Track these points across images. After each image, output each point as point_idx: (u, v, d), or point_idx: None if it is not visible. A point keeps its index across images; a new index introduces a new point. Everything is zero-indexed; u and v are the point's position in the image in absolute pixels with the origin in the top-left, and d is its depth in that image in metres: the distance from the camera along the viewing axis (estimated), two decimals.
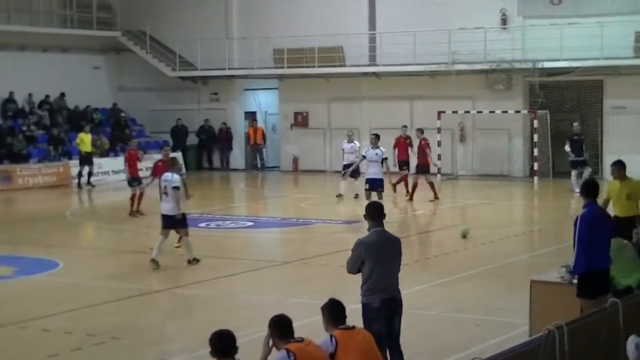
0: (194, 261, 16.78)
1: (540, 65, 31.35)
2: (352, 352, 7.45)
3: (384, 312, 9.13)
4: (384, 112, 34.64)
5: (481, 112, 32.93)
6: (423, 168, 26.16)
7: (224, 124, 38.46)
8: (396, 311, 9.28)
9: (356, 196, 25.75)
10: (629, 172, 13.82)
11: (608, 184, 14.30)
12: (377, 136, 22.92)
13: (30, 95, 36.41)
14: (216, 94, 39.12)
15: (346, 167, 26.34)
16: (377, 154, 22.10)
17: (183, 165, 36.31)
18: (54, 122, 35.85)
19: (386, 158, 22.27)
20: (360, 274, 9.24)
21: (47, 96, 36.80)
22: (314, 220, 23.08)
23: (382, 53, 34.37)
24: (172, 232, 17.03)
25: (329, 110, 36.44)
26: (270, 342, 7.35)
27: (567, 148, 27.67)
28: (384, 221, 9.37)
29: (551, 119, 32.33)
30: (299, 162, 37.03)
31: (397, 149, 26.84)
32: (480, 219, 23.64)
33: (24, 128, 34.81)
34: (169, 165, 17.96)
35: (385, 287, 9.17)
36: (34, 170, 32.46)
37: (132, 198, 23.78)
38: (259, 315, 12.02)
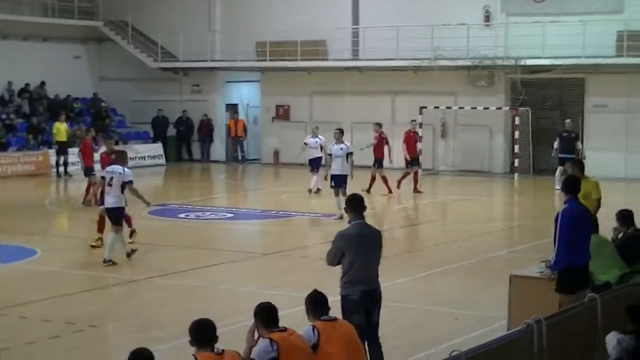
0: (110, 262, 15.85)
1: (522, 62, 31.43)
2: (335, 343, 7.46)
3: (364, 304, 9.13)
4: (366, 107, 34.65)
5: (463, 108, 33.02)
6: (380, 161, 26.16)
7: (205, 115, 38.34)
8: (375, 304, 9.28)
9: (309, 190, 25.95)
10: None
11: None
12: (342, 131, 22.64)
13: (10, 83, 36.17)
14: (198, 85, 38.98)
15: (312, 161, 26.40)
16: (341, 149, 21.67)
17: (165, 158, 36.60)
18: (34, 111, 35.62)
19: (351, 153, 21.78)
20: (340, 266, 9.25)
21: (27, 85, 36.55)
22: (293, 213, 23.06)
23: (365, 48, 34.34)
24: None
25: (311, 104, 36.41)
26: (256, 335, 7.28)
27: (556, 145, 27.35)
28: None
29: (532, 116, 32.44)
30: (280, 155, 36.99)
31: (406, 144, 26.74)
32: (460, 215, 23.74)
33: (4, 116, 34.58)
34: (114, 157, 17.08)
35: (365, 279, 9.17)
36: (13, 159, 32.25)
37: (89, 188, 23.24)
38: (240, 305, 12.04)
